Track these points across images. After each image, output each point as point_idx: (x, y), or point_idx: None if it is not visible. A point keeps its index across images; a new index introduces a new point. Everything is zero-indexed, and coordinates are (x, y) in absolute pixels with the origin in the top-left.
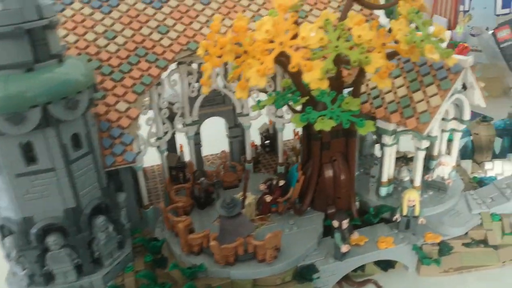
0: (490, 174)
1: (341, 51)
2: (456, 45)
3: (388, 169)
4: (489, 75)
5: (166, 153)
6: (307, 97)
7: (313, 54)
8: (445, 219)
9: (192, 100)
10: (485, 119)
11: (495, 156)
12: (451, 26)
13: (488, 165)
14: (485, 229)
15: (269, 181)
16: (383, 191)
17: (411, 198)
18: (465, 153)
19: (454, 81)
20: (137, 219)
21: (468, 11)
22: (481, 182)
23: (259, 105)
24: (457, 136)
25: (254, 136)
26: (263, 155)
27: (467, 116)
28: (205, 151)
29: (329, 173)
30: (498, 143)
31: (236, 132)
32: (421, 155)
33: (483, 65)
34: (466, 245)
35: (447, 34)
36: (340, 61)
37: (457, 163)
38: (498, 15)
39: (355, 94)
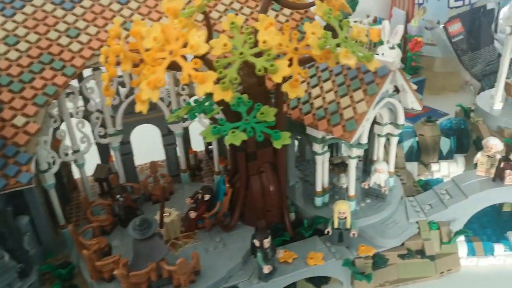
0: (436, 176)
1: (247, 59)
2: (410, 39)
3: (322, 178)
4: (448, 70)
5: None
6: (221, 107)
7: (216, 62)
8: (381, 229)
9: (115, 108)
10: (429, 119)
11: (442, 157)
12: (409, 19)
13: (434, 167)
14: (423, 238)
15: (196, 195)
16: (318, 201)
17: (342, 210)
18: (411, 155)
19: (381, 85)
20: (50, 242)
21: (422, 3)
22: (426, 185)
23: (174, 115)
24: (394, 141)
25: (198, 142)
26: (206, 161)
27: (401, 120)
28: (149, 158)
29: (256, 185)
30: (446, 144)
31: (171, 139)
32: (353, 163)
33: (442, 60)
34: (402, 256)
35: (400, 28)
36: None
37: (402, 166)
38: (451, 8)
39: (277, 103)
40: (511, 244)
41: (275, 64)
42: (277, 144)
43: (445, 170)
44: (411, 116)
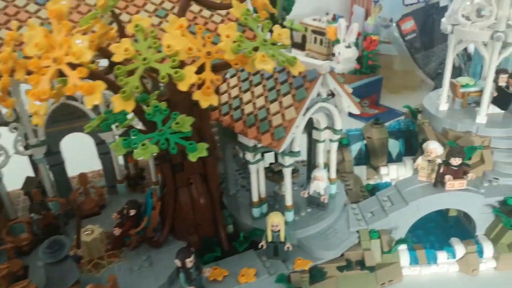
0: (385, 179)
1: (151, 65)
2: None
3: (258, 188)
4: (406, 68)
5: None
6: (135, 117)
7: (117, 70)
8: (320, 240)
9: None
10: (377, 121)
11: (392, 160)
12: (367, 17)
13: (383, 170)
14: (363, 248)
15: (123, 210)
16: (255, 212)
17: (274, 223)
18: (359, 159)
19: (311, 89)
20: None
21: (378, 1)
22: (374, 190)
23: (88, 125)
24: (333, 146)
25: None
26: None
27: (338, 125)
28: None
29: (185, 198)
30: (395, 146)
31: (105, 148)
32: (288, 172)
33: (399, 58)
34: (341, 268)
35: (355, 26)
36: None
37: (350, 171)
38: (406, 5)
39: (202, 110)
40: (454, 251)
41: (180, 71)
42: (192, 157)
43: (394, 173)
44: (367, 116)
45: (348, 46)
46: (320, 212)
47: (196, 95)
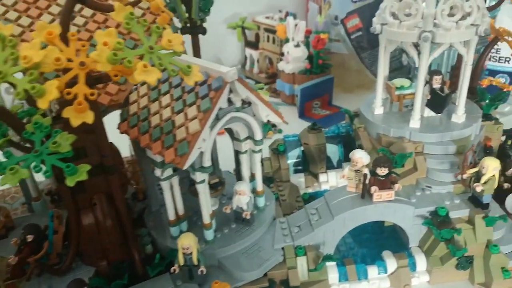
0: (325, 187)
1: (7, 79)
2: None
3: (174, 205)
4: (359, 67)
5: None
6: (8, 137)
7: None
8: (241, 260)
9: None
10: (314, 126)
11: (333, 166)
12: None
13: (322, 177)
14: (288, 267)
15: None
16: (174, 231)
17: (185, 245)
18: (298, 166)
19: (217, 99)
20: None
21: None
22: (312, 199)
23: None
24: (256, 158)
25: None
26: None
27: (258, 135)
28: None
29: (89, 220)
30: (335, 152)
31: None
32: (202, 188)
33: (350, 57)
34: None
35: (301, 24)
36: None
37: (286, 179)
38: (355, 2)
39: (97, 126)
40: (386, 266)
41: (38, 86)
42: (70, 182)
43: (334, 180)
44: (318, 117)
45: (297, 45)
46: (245, 228)
47: (66, 112)
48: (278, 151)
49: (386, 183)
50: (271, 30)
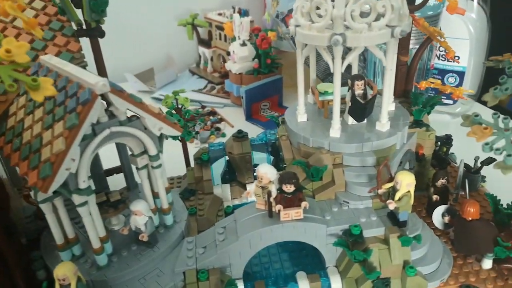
0: (252, 198)
1: None
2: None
3: (59, 229)
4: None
5: None
6: None
7: None
8: (135, 287)
9: None
10: (238, 134)
11: None
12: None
13: (250, 188)
14: None
15: None
16: (64, 256)
17: (59, 276)
18: (224, 176)
19: (85, 115)
20: None
21: None
22: None
23: None
24: (156, 173)
25: None
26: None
27: (152, 150)
28: None
29: None
30: (264, 161)
31: None
32: (85, 212)
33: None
34: None
35: (245, 22)
36: None
37: (209, 191)
38: None
39: None
40: None
41: None
42: None
43: None
44: (264, 120)
45: (243, 44)
46: (146, 250)
47: None
48: (202, 160)
49: (293, 201)
50: (222, 28)
